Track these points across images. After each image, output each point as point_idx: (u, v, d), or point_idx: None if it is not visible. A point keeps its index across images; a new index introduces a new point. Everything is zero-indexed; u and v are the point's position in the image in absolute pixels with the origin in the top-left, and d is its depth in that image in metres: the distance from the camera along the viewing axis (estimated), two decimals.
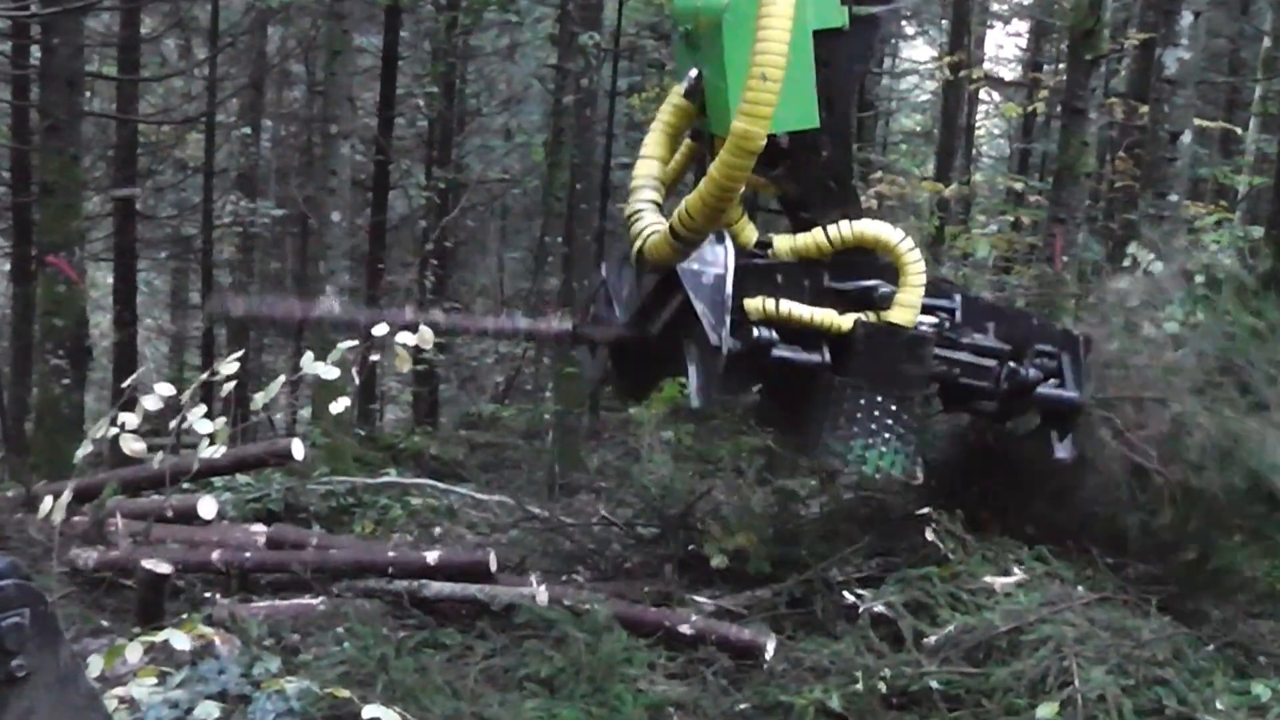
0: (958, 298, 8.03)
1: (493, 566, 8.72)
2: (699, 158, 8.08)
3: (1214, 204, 23.30)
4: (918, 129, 39.67)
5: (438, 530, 10.76)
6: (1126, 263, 11.69)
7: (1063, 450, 8.37)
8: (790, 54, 6.74)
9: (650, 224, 7.61)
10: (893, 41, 35.78)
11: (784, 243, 7.63)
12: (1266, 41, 27.35)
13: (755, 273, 7.50)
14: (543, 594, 8.34)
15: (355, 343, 7.12)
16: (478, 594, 8.48)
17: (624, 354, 8.20)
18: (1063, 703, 7.04)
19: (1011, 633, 7.63)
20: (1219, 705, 7.21)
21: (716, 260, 7.34)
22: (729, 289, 7.26)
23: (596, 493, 13.11)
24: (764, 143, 6.78)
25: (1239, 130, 25.96)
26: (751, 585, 8.80)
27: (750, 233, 7.65)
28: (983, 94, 32.65)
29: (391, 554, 9.03)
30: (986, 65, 34.38)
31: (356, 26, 20.62)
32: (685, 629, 8.18)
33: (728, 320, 7.25)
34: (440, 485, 12.35)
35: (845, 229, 7.48)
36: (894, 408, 7.58)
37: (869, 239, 7.49)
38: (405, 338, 6.96)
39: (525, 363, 27.94)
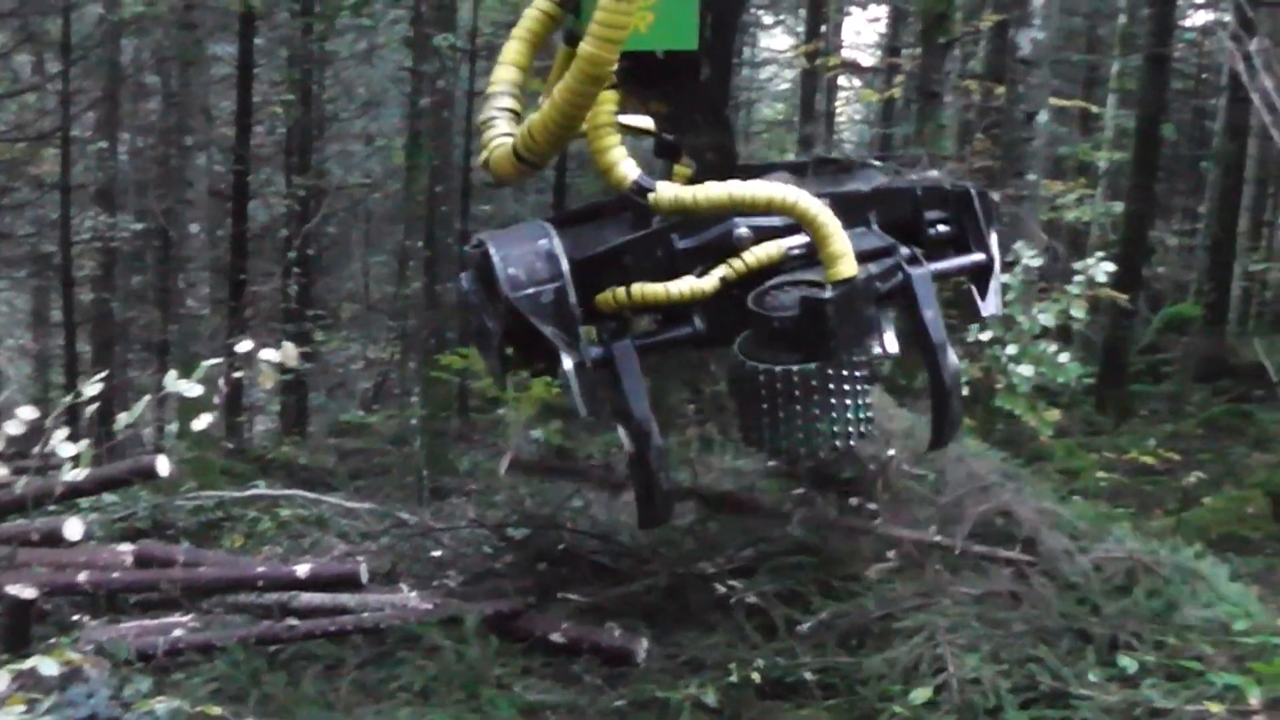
0: (825, 201, 7.08)
1: (364, 578, 8.68)
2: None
3: (1076, 181, 23.65)
4: (779, 118, 39.90)
5: (308, 541, 10.68)
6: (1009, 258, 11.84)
7: (988, 308, 7.94)
8: None
9: (499, 134, 7.04)
10: (751, 31, 35.95)
11: (667, 193, 6.72)
12: (1122, 18, 27.72)
13: (598, 263, 7.00)
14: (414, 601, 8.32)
15: (219, 360, 7.06)
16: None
17: (516, 339, 7.73)
18: (938, 687, 7.10)
19: (885, 619, 7.68)
20: (1091, 678, 7.31)
21: (549, 272, 6.74)
22: (572, 297, 6.73)
23: (467, 495, 13.08)
24: (613, 69, 6.32)
25: (1093, 108, 26.33)
26: (624, 581, 8.80)
27: (625, 170, 6.73)
28: (843, 80, 32.86)
29: (261, 568, 8.96)
30: (846, 51, 34.58)
31: (210, 35, 20.51)
32: (557, 637, 8.11)
33: (580, 331, 6.77)
34: (310, 495, 12.25)
35: (738, 190, 6.65)
36: (857, 359, 6.97)
37: (761, 202, 6.71)
38: (268, 354, 6.90)
39: (392, 368, 27.90)
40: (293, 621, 8.26)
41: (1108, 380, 22.62)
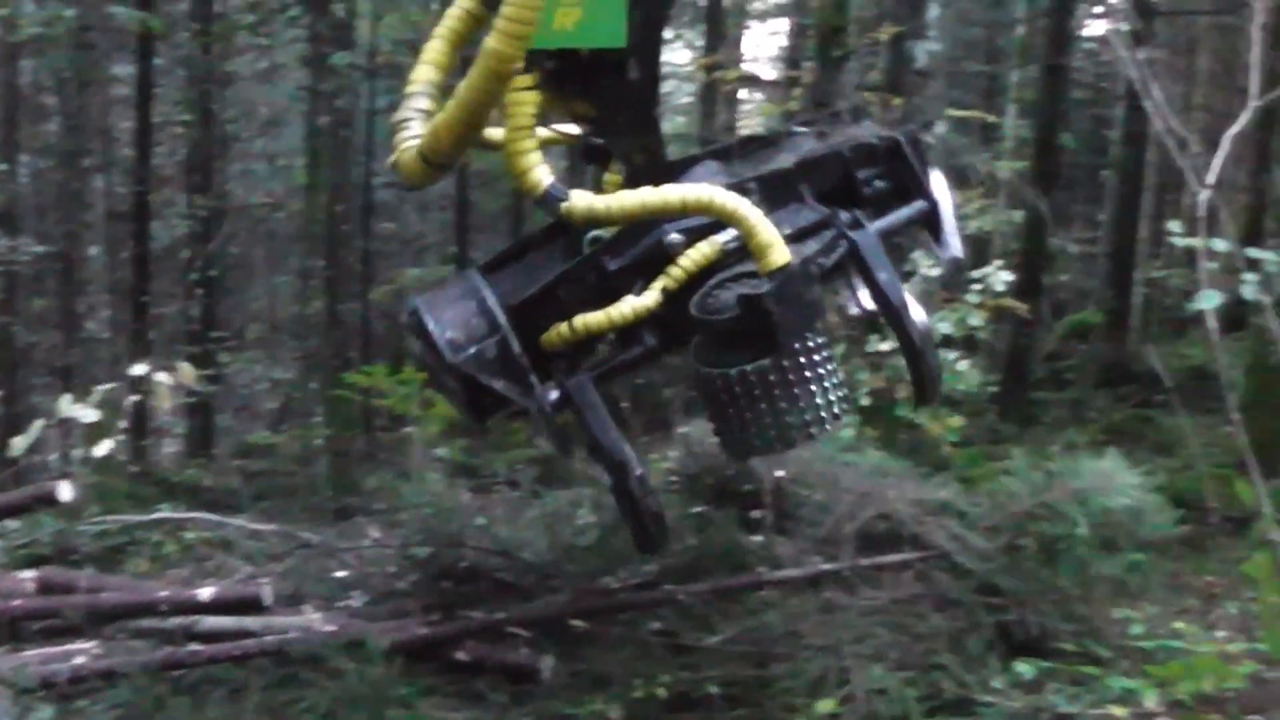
0: (752, 186, 7.01)
1: (267, 600, 8.65)
2: None
3: (977, 191, 23.84)
4: (681, 131, 39.94)
5: (213, 564, 10.63)
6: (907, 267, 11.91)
7: (947, 250, 7.73)
8: None
9: (410, 136, 6.62)
10: None
11: (580, 203, 6.31)
12: (1020, 29, 27.94)
13: (535, 303, 6.70)
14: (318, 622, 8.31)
15: (114, 385, 7.02)
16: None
17: (482, 389, 7.41)
18: (843, 698, 7.16)
19: (790, 636, 7.73)
20: (995, 685, 7.41)
21: (487, 326, 6.48)
22: (515, 346, 6.46)
23: (371, 515, 13.04)
24: (518, 65, 5.99)
25: (989, 118, 26.49)
26: (528, 597, 8.80)
27: (538, 177, 6.29)
28: (744, 93, 32.95)
29: (164, 593, 8.92)
30: (747, 65, 34.71)
31: (109, 56, 20.41)
32: (462, 656, 8.10)
33: (532, 379, 6.47)
34: (214, 517, 12.19)
35: (651, 197, 6.30)
36: (813, 342, 6.63)
37: (675, 206, 6.33)
38: (164, 376, 6.87)
39: (297, 388, 27.83)
40: (196, 646, 8.23)
41: (1010, 388, 22.74)
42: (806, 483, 9.16)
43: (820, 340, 6.61)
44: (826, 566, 8.40)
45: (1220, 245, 7.55)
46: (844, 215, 7.13)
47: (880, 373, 11.76)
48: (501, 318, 6.48)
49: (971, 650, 7.72)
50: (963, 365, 12.15)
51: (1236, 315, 15.24)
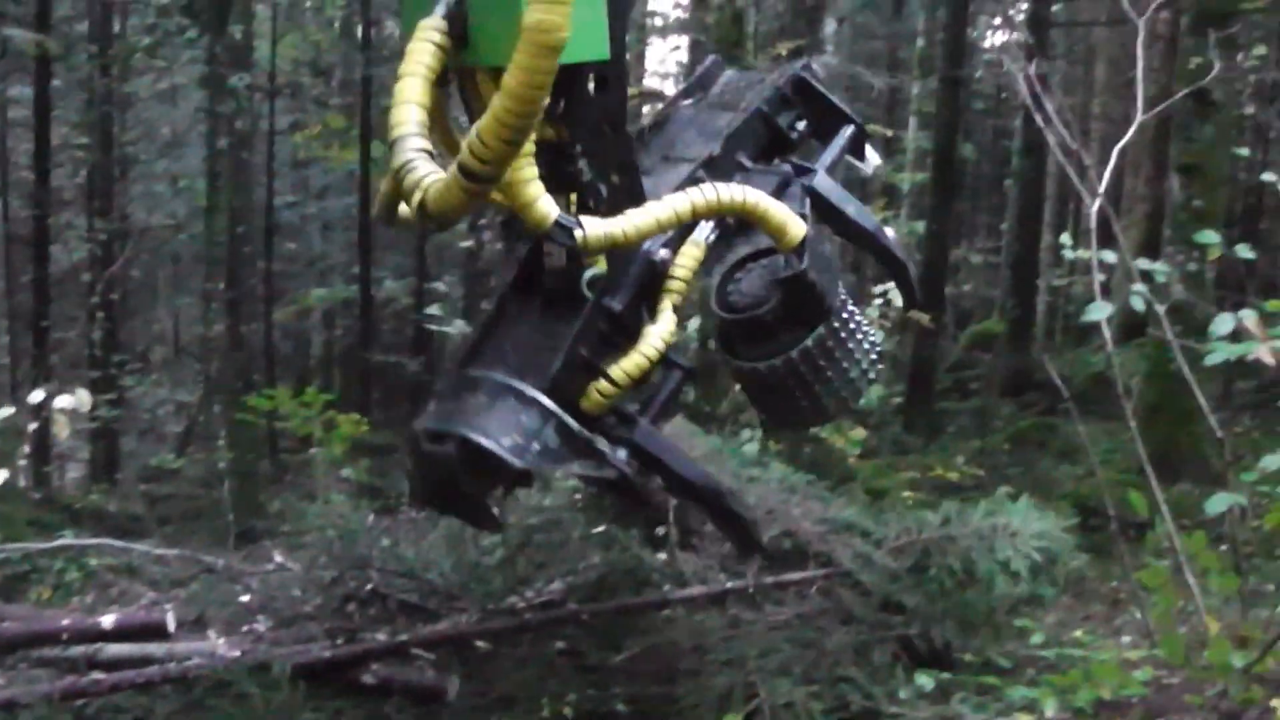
0: (701, 174, 6.73)
1: (171, 626, 8.57)
2: (443, 105, 6.30)
3: (881, 203, 24.01)
4: None
5: (117, 590, 10.54)
6: None
7: (870, 164, 7.62)
8: None
9: (429, 172, 5.63)
10: None
11: (595, 230, 5.73)
12: (920, 41, 28.13)
13: (565, 374, 6.27)
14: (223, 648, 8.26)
15: (11, 411, 6.96)
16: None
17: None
18: (750, 712, 7.18)
19: (696, 652, 7.74)
20: (902, 695, 7.47)
21: (538, 416, 6.08)
22: (573, 424, 6.13)
23: (276, 538, 12.96)
24: (566, 36, 5.02)
25: (888, 132, 26.68)
26: (433, 619, 8.78)
27: (545, 207, 5.67)
28: (645, 109, 33.04)
29: (65, 621, 8.83)
30: (648, 80, 34.81)
31: (5, 78, 20.23)
32: (368, 678, 8.05)
33: (601, 446, 6.20)
34: (118, 543, 12.08)
35: (661, 210, 5.85)
36: (843, 294, 6.64)
37: (685, 214, 5.94)
38: (63, 402, 6.82)
39: (200, 411, 27.69)
40: (98, 674, 8.16)
41: (915, 399, 22.91)
42: None
43: (844, 291, 6.60)
44: (731, 584, 8.42)
45: (1110, 257, 7.63)
46: (786, 168, 7.03)
47: None
48: (548, 402, 6.14)
49: (877, 663, 7.76)
50: None
51: (1138, 322, 15.39)
